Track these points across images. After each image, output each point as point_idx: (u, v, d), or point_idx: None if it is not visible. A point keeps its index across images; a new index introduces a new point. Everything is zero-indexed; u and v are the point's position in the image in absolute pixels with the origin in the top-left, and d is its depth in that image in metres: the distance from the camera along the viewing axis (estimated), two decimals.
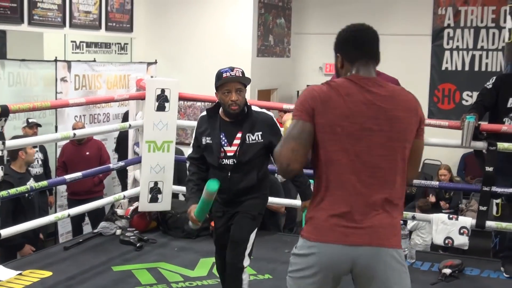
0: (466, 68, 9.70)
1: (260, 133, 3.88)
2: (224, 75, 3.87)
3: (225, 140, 3.89)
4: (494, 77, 5.23)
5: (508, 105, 5.07)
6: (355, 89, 2.60)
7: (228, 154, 3.88)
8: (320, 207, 2.63)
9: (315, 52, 10.40)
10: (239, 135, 3.89)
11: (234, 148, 3.88)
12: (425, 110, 9.59)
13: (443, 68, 9.81)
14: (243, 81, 3.92)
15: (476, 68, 9.63)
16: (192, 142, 4.05)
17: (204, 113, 4.05)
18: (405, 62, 9.76)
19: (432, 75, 9.89)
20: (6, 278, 4.62)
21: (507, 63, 5.80)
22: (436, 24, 9.82)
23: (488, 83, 5.18)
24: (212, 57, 9.25)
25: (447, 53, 9.79)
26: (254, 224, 3.95)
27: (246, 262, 3.90)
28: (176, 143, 6.04)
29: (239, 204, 3.95)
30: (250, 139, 3.88)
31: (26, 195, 5.49)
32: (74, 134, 5.13)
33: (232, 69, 3.91)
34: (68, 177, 5.17)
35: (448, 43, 9.78)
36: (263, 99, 9.31)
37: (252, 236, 3.92)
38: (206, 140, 3.93)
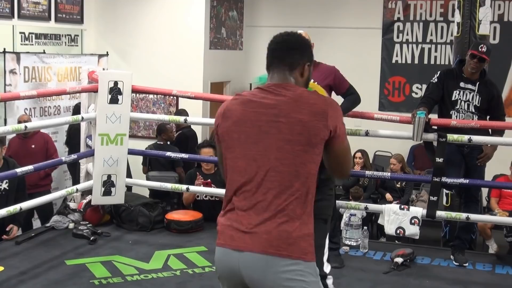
0: (416, 61, 9.86)
1: None
2: None
3: None
4: (439, 72, 5.39)
5: (453, 98, 5.24)
6: (260, 95, 2.58)
7: None
8: (223, 212, 2.61)
9: (267, 45, 10.43)
10: None
11: None
12: (375, 103, 9.82)
13: (393, 61, 9.96)
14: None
15: (426, 61, 9.80)
16: None
17: None
18: (356, 55, 9.89)
19: (382, 68, 10.02)
20: None
21: (456, 56, 5.95)
22: (386, 18, 9.96)
23: (433, 78, 5.34)
24: (164, 49, 9.21)
25: (397, 46, 9.94)
26: (326, 228, 3.78)
27: (327, 268, 3.74)
28: (129, 136, 6.00)
29: None
30: None
31: None
32: (26, 126, 5.05)
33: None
34: (19, 170, 5.09)
35: (398, 37, 9.93)
36: (216, 92, 9.30)
37: (326, 241, 3.74)
38: None
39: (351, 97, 5.08)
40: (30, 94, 5.20)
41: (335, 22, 10.12)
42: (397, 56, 9.95)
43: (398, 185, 8.23)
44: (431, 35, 9.77)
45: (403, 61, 9.92)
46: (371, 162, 9.27)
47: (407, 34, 9.89)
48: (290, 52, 2.63)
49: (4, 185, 5.63)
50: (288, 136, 2.48)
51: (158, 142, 7.70)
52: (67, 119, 5.85)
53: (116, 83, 5.68)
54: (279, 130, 2.50)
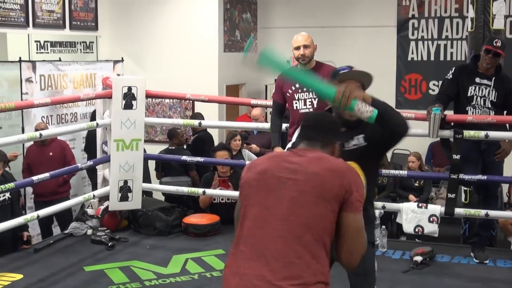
0: (432, 58, 9.77)
1: (363, 135, 3.32)
2: (341, 72, 3.38)
3: None
4: (453, 68, 5.33)
5: (469, 94, 5.18)
6: (287, 153, 2.79)
7: None
8: (228, 263, 2.54)
9: (282, 46, 10.33)
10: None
11: None
12: (392, 101, 9.73)
13: (409, 58, 9.87)
14: (360, 79, 3.34)
15: (442, 58, 9.70)
16: None
17: None
18: (371, 53, 9.82)
19: (398, 65, 9.94)
20: None
21: (470, 52, 5.88)
22: (400, 15, 9.87)
23: (448, 74, 5.30)
24: (178, 54, 9.21)
25: (412, 44, 9.85)
26: (374, 250, 3.50)
27: None
28: (146, 141, 6.01)
29: None
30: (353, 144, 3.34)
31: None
32: (41, 134, 5.07)
33: (350, 67, 3.44)
34: (35, 178, 5.11)
35: (413, 34, 9.84)
36: (231, 95, 9.30)
37: (375, 264, 3.48)
38: None
39: None
40: (44, 101, 5.21)
41: (349, 21, 10.07)
42: (412, 53, 9.86)
43: (416, 184, 8.14)
44: (447, 31, 9.67)
45: (419, 58, 9.83)
46: (389, 160, 9.21)
47: (422, 31, 9.79)
48: (322, 132, 2.75)
49: (7, 195, 5.62)
50: (303, 188, 2.49)
51: (169, 147, 7.69)
52: (82, 125, 5.87)
53: (130, 88, 5.68)
54: (295, 182, 2.51)
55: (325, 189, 2.47)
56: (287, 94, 5.01)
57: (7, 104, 4.81)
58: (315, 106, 4.91)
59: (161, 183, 7.46)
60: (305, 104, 4.94)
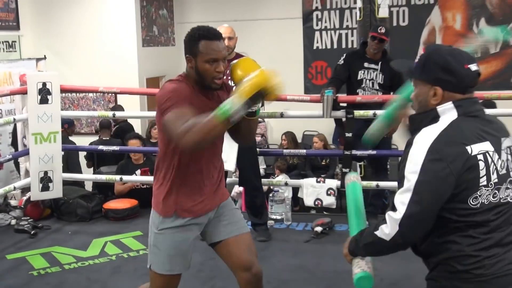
0: (335, 46, 9.94)
1: None
2: None
3: None
4: (344, 54, 5.45)
5: (359, 78, 5.31)
6: None
7: None
8: None
9: None
10: None
11: None
12: (301, 87, 9.89)
13: (315, 47, 10.02)
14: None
15: (344, 46, 9.88)
16: None
17: None
18: (280, 44, 9.91)
19: (305, 54, 10.07)
20: None
21: (360, 38, 6.02)
22: (305, 8, 9.99)
23: (340, 60, 5.40)
24: (100, 49, 9.08)
25: (317, 34, 9.99)
26: None
27: None
28: (73, 133, 5.89)
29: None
30: None
31: None
32: None
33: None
34: None
35: (317, 24, 9.98)
36: (152, 87, 9.21)
37: None
38: None
39: None
40: None
41: (260, 15, 10.12)
42: (317, 42, 10.01)
43: (323, 163, 8.29)
44: (347, 21, 9.85)
45: (324, 47, 9.99)
46: (300, 141, 9.36)
47: (326, 22, 9.95)
48: None
49: None
50: None
51: (103, 138, 7.57)
52: None
53: (44, 84, 5.55)
54: None
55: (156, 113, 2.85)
56: None
57: None
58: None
59: (99, 172, 7.35)
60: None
